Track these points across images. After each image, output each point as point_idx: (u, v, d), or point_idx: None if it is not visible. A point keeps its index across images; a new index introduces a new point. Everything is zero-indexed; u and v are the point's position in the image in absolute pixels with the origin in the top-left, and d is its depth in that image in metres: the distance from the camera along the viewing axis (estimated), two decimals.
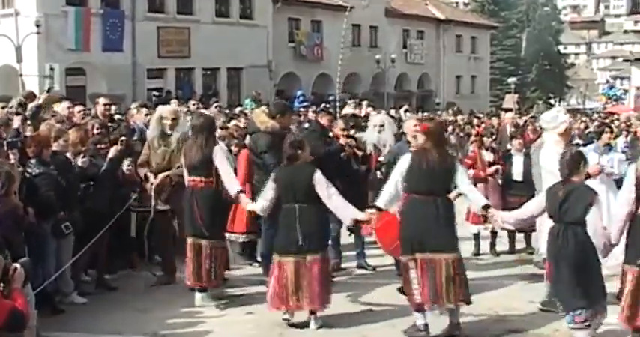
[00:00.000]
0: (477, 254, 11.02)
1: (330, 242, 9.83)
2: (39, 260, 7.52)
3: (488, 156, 11.15)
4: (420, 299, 7.15)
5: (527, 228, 9.60)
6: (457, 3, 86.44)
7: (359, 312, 8.20)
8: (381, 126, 10.53)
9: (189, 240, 8.38)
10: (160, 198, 9.11)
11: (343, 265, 10.18)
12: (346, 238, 10.41)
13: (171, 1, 32.74)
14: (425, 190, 7.19)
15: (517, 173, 10.84)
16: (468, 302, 7.27)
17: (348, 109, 18.18)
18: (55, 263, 8.06)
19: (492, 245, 11.18)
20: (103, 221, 8.50)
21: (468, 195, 7.46)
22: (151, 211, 9.13)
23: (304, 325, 7.58)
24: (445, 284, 7.04)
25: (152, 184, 9.08)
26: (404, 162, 7.35)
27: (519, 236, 11.13)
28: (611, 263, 8.90)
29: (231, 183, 8.18)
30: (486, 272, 10.04)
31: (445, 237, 7.15)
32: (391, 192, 7.41)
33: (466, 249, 9.56)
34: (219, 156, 8.26)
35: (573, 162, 6.90)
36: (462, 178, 7.36)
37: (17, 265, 5.53)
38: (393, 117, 20.32)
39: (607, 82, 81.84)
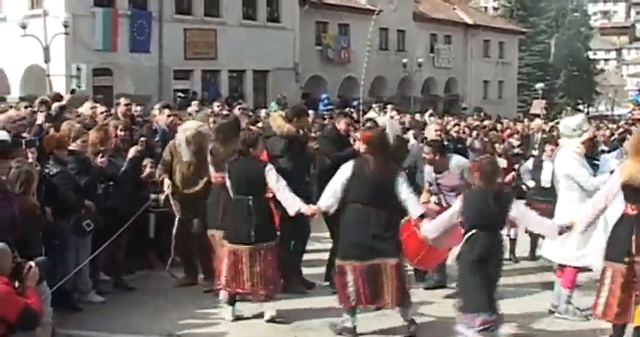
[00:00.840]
0: None
1: None
2: (58, 259, 7.57)
3: (502, 163, 11.09)
4: (356, 301, 7.32)
5: None
6: (486, 8, 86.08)
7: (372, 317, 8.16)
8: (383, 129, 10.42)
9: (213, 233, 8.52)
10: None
11: None
12: None
13: (199, 3, 32.88)
14: (364, 200, 7.30)
15: (545, 180, 10.69)
16: (407, 305, 7.47)
17: (372, 113, 18.11)
18: (75, 261, 8.12)
19: (511, 251, 11.12)
20: (122, 221, 8.53)
21: (405, 203, 7.41)
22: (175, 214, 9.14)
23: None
24: (384, 288, 7.25)
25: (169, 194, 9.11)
26: (345, 171, 7.43)
27: (540, 242, 11.04)
28: None
29: None
30: (505, 279, 9.87)
31: (384, 243, 7.28)
32: (332, 197, 7.48)
33: None
34: None
35: (494, 169, 6.97)
36: (402, 186, 7.38)
37: (32, 263, 5.60)
38: (417, 121, 20.31)
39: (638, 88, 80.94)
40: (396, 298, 7.30)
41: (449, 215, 7.07)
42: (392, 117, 18.03)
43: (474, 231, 6.79)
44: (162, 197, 9.27)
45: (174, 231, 9.09)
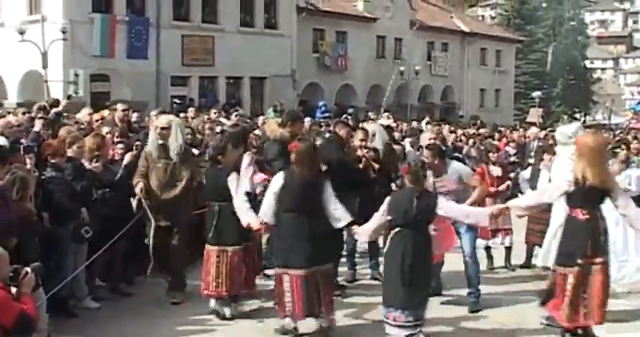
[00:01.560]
0: (491, 268, 10.97)
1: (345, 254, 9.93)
2: (55, 265, 7.57)
3: (496, 171, 11.12)
4: (294, 312, 7.51)
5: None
6: (483, 16, 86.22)
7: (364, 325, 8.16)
8: (373, 135, 10.45)
9: None
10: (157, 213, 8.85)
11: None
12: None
13: (197, 9, 32.88)
14: (294, 208, 7.53)
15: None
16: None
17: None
18: (72, 268, 8.11)
19: (507, 259, 11.14)
20: (118, 227, 8.51)
21: (334, 213, 7.60)
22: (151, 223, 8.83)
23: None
24: (317, 297, 7.46)
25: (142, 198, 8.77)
26: (277, 181, 7.69)
27: (537, 251, 11.05)
28: (626, 281, 8.87)
29: None
30: (500, 287, 9.98)
31: (317, 251, 7.48)
32: (269, 210, 7.70)
33: (481, 262, 9.53)
34: (245, 162, 8.50)
35: (422, 172, 7.32)
36: (329, 197, 7.59)
37: (28, 269, 5.60)
38: (413, 128, 20.35)
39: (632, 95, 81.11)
40: (326, 307, 7.57)
41: (378, 215, 7.33)
42: (388, 126, 17.98)
43: (398, 228, 7.08)
44: (134, 202, 9.05)
45: (150, 239, 8.82)
